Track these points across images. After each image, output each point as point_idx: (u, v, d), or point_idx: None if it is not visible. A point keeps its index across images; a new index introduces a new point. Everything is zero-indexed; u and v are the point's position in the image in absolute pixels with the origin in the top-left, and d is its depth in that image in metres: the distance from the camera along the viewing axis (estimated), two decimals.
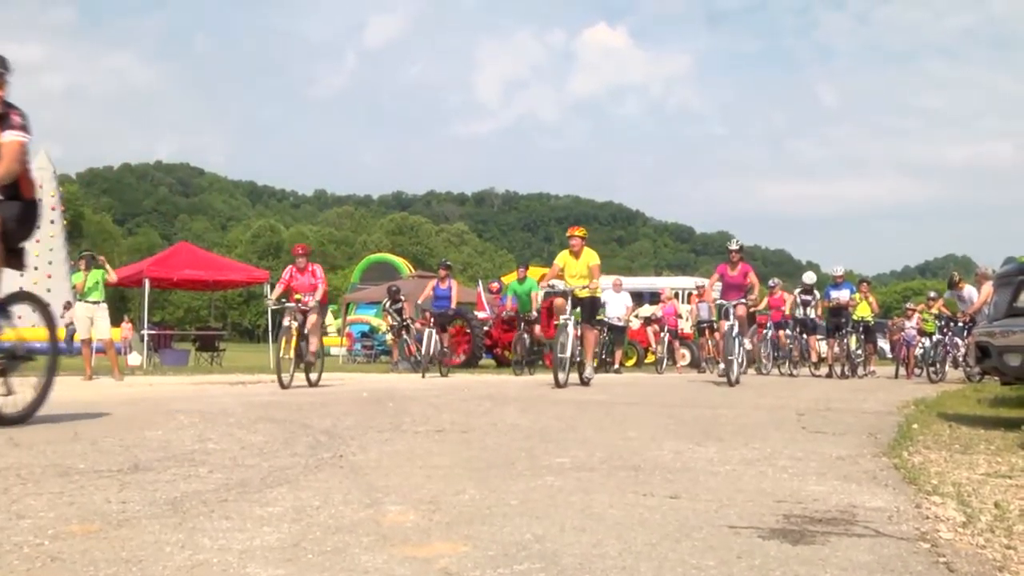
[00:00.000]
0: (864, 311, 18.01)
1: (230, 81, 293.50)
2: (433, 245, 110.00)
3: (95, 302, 13.37)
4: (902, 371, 19.04)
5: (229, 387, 10.66)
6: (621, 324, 18.74)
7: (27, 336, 6.01)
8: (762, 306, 18.63)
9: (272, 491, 3.14)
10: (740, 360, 12.54)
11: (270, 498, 3.00)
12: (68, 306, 27.78)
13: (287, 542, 2.38)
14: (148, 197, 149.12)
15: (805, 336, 18.63)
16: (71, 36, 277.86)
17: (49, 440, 4.51)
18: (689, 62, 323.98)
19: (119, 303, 63.07)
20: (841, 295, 17.33)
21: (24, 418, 5.35)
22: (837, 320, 17.23)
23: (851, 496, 3.21)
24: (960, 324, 15.87)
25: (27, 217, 5.52)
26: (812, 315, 18.43)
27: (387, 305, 19.35)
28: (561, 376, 10.43)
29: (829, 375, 16.97)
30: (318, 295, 11.55)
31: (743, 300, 12.69)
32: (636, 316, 21.57)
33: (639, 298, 23.54)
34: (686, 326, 21.81)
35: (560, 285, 11.10)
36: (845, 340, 17.22)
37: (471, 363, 19.24)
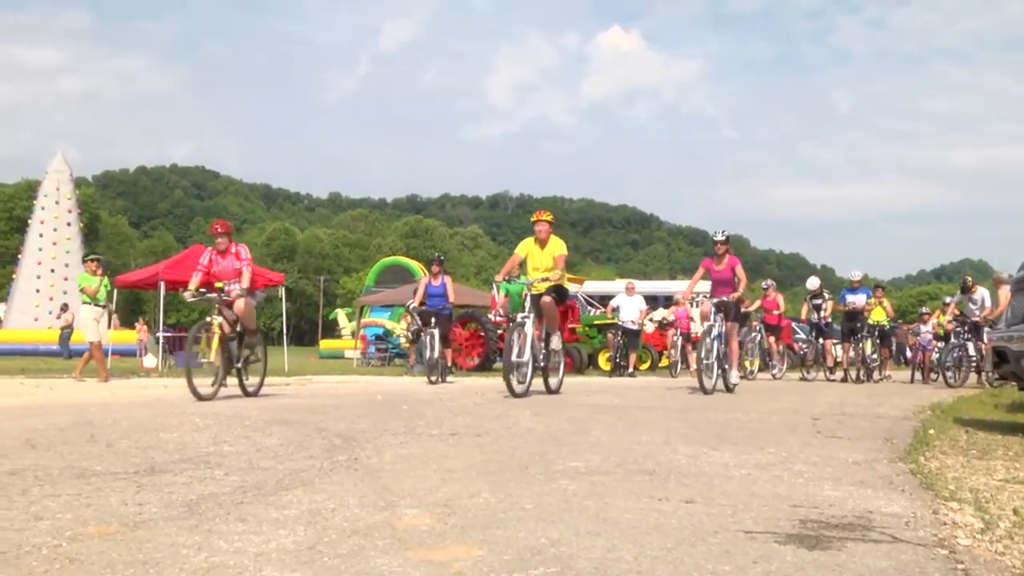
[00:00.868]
0: (879, 315, 17.95)
1: (245, 85, 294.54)
2: (447, 248, 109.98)
3: (103, 306, 13.43)
4: (918, 376, 18.96)
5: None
6: (635, 328, 18.70)
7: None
8: (754, 307, 18.45)
9: (287, 494, 3.15)
10: (728, 364, 11.07)
11: (285, 501, 3.01)
12: (65, 308, 27.99)
13: (303, 545, 2.39)
14: (163, 200, 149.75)
15: (821, 340, 18.49)
16: (86, 40, 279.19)
17: (65, 442, 4.53)
18: (702, 65, 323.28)
19: (134, 305, 63.60)
20: (857, 299, 17.27)
21: None
22: (853, 324, 17.15)
23: (867, 501, 3.19)
24: (977, 326, 15.76)
25: None
26: (824, 318, 18.29)
27: (411, 306, 19.17)
28: (516, 383, 8.89)
29: (844, 379, 16.90)
30: (244, 282, 9.25)
31: (727, 299, 11.16)
32: (650, 320, 21.53)
33: (653, 301, 23.51)
34: (700, 329, 21.72)
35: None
36: (860, 344, 17.15)
37: (485, 366, 19.23)
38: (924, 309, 22.21)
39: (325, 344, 45.54)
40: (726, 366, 10.99)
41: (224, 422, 5.67)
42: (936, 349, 18.44)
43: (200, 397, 8.12)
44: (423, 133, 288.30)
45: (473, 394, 9.55)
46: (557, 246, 9.89)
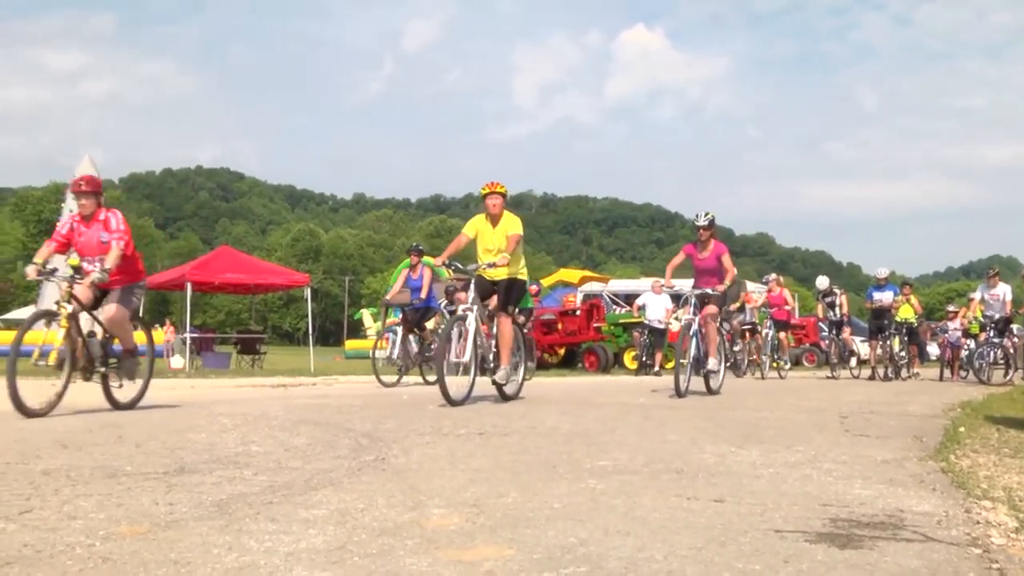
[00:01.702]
0: (907, 313, 17.77)
1: (269, 87, 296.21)
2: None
3: None
4: (947, 373, 18.78)
5: (271, 390, 10.73)
6: (662, 327, 18.63)
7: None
8: (759, 303, 17.98)
9: (316, 493, 3.16)
10: (715, 368, 9.68)
11: (314, 501, 3.02)
12: None
13: (332, 544, 2.39)
14: (189, 202, 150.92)
15: (841, 336, 18.24)
16: (112, 44, 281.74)
17: (96, 442, 4.58)
18: (726, 64, 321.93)
19: (161, 306, 64.07)
20: (884, 297, 17.11)
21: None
22: (880, 322, 17.01)
23: (898, 500, 3.17)
24: (1007, 321, 15.60)
25: None
26: (845, 314, 18.08)
27: (442, 306, 18.93)
28: (452, 387, 7.36)
29: (872, 377, 16.77)
30: (110, 261, 6.74)
31: (711, 291, 9.67)
32: (675, 318, 21.44)
33: (679, 300, 23.39)
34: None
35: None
36: (888, 342, 17.01)
37: None
38: (952, 307, 21.99)
39: (351, 344, 45.75)
40: (710, 367, 9.64)
41: (251, 422, 5.70)
42: (965, 347, 18.25)
43: (26, 412, 6.08)
44: (447, 133, 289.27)
45: (498, 393, 9.54)
46: (511, 224, 8.39)
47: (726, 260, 9.86)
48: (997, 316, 15.61)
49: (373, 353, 13.11)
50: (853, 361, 17.91)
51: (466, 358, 7.66)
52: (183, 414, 6.54)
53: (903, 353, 17.72)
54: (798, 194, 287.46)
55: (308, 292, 23.33)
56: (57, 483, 3.30)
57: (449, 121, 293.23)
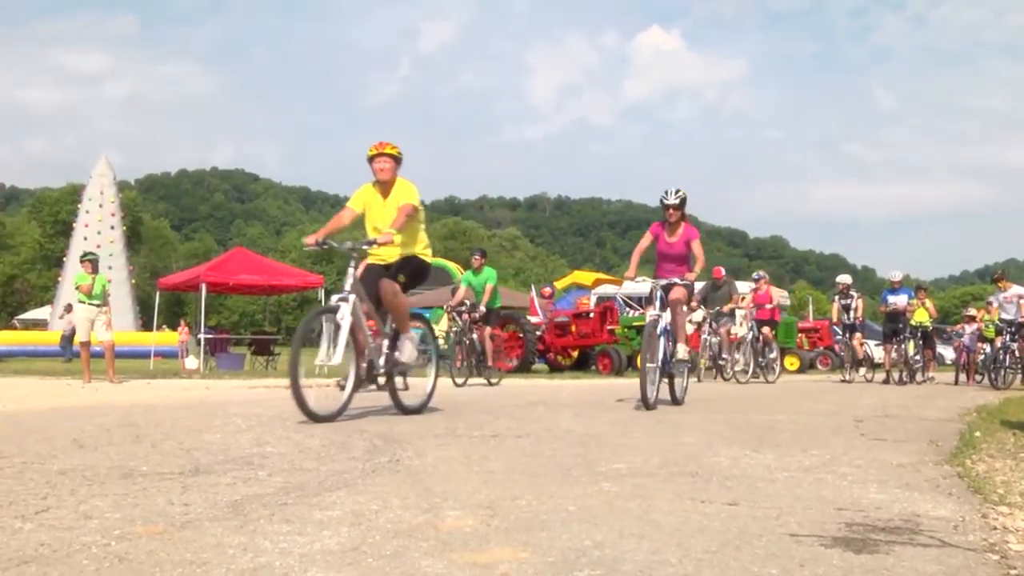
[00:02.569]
0: (922, 316, 17.70)
1: (284, 88, 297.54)
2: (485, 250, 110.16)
3: (98, 305, 13.48)
4: (962, 377, 18.69)
5: (284, 391, 10.73)
6: None
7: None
8: (746, 302, 17.30)
9: (331, 495, 3.16)
10: (684, 356, 8.48)
11: (329, 502, 3.02)
12: (69, 309, 28.34)
13: (347, 546, 2.39)
14: (204, 203, 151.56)
15: (851, 339, 18.05)
16: (132, 45, 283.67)
17: (112, 442, 4.60)
18: (743, 65, 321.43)
19: (176, 307, 64.33)
20: (899, 300, 17.05)
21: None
22: (894, 325, 16.95)
23: (914, 504, 3.15)
24: (1021, 325, 15.51)
25: None
26: (859, 319, 17.93)
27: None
28: (308, 396, 5.90)
29: (887, 381, 16.70)
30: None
31: (680, 280, 8.46)
32: (690, 321, 21.37)
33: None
34: (739, 331, 21.49)
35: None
36: (903, 346, 16.93)
37: (524, 368, 19.25)
38: (970, 311, 21.87)
39: None
40: (680, 355, 8.41)
41: (266, 423, 5.72)
42: (981, 351, 18.16)
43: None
44: (461, 135, 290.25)
45: (512, 396, 9.55)
46: (406, 191, 6.77)
47: (696, 247, 8.64)
48: (1012, 319, 15.53)
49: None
50: (862, 370, 17.72)
51: (334, 361, 6.12)
52: (198, 415, 6.56)
53: (918, 357, 17.64)
54: (812, 196, 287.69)
55: (322, 293, 23.34)
56: (73, 483, 3.32)
57: (464, 122, 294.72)
